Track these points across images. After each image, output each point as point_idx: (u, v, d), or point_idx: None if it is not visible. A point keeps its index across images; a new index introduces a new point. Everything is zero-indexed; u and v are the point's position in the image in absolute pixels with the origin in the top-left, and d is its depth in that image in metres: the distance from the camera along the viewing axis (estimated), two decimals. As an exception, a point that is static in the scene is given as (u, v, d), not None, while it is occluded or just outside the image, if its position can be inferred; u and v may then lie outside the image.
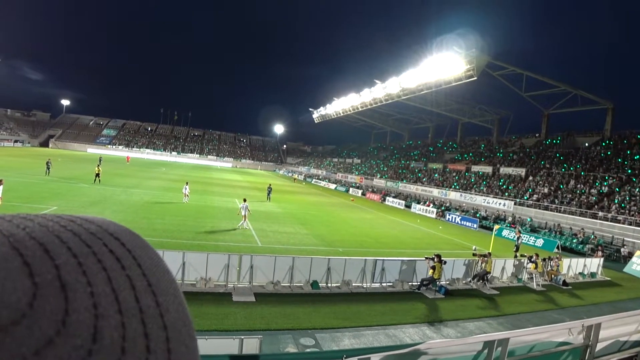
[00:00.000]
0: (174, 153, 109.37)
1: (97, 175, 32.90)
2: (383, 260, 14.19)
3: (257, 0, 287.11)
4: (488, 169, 47.35)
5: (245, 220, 21.34)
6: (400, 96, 56.72)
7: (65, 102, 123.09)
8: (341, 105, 78.31)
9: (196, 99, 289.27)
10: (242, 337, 7.07)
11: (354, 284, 13.39)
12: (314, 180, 77.47)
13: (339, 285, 13.18)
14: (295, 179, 76.86)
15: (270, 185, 37.66)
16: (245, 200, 21.64)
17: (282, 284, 12.52)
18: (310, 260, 13.15)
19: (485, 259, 15.34)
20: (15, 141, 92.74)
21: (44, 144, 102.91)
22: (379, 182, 61.99)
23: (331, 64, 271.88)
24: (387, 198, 49.70)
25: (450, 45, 41.37)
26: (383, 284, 13.90)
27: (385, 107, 66.45)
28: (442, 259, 13.91)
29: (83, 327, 0.32)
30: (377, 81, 59.64)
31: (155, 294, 0.40)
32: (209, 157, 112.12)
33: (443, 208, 40.41)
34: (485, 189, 42.72)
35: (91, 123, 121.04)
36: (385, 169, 68.10)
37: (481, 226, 33.72)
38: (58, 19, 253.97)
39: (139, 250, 0.43)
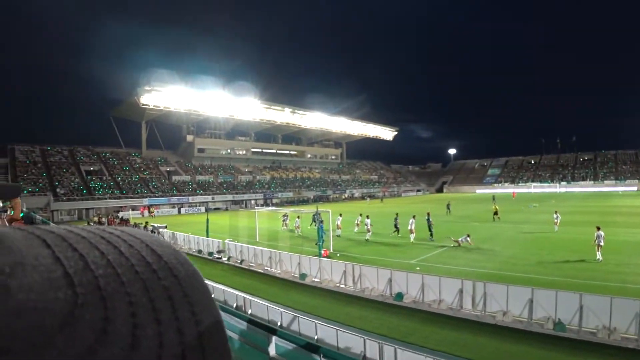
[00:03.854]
0: (563, 183, 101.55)
1: (496, 213, 35.43)
2: None
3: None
4: None
5: (598, 250, 18.25)
6: None
7: (452, 151, 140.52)
8: None
9: (580, 119, 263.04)
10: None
11: None
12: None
13: None
14: None
15: None
16: (599, 229, 18.30)
17: None
18: None
19: None
20: (417, 190, 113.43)
21: (439, 190, 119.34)
22: None
23: None
24: None
25: None
26: None
27: None
28: None
29: (122, 336, 0.33)
30: None
31: (191, 304, 0.41)
32: (606, 182, 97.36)
33: None
34: None
35: (476, 166, 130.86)
36: None
37: None
38: (444, 90, 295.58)
39: (174, 261, 0.44)
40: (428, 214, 26.29)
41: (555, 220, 27.77)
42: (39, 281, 0.33)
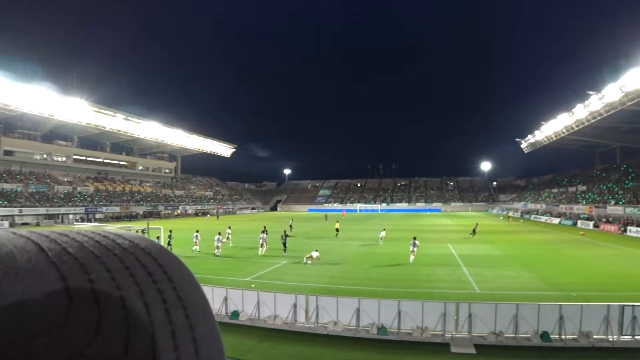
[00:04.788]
0: (384, 204, 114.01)
1: (337, 230, 38.85)
2: (633, 306, 11.66)
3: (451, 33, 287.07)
4: None
5: (412, 255, 23.73)
6: (624, 103, 47.98)
7: (287, 171, 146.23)
8: (551, 128, 71.01)
9: (399, 150, 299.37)
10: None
11: (595, 336, 11.36)
12: (532, 216, 70.38)
13: (576, 338, 11.34)
14: (509, 216, 70.83)
15: (477, 223, 41.45)
16: (415, 238, 24.19)
17: (505, 335, 11.44)
18: (538, 308, 11.74)
19: None
20: (252, 208, 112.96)
21: (274, 208, 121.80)
22: (614, 209, 52.40)
23: (534, 85, 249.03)
24: (629, 228, 41.54)
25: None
26: (637, 337, 11.42)
27: (608, 120, 56.82)
28: None
29: (115, 339, 0.33)
30: (590, 92, 52.31)
31: (185, 307, 0.41)
32: (418, 204, 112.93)
33: None
34: None
35: (309, 186, 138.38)
36: (621, 193, 57.47)
37: None
38: (277, 112, 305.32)
39: (169, 265, 0.44)
40: (285, 231, 28.43)
41: (382, 236, 33.08)
42: (32, 285, 0.33)
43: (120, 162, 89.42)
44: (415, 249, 23.81)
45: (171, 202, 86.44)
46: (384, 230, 34.75)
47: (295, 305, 12.94)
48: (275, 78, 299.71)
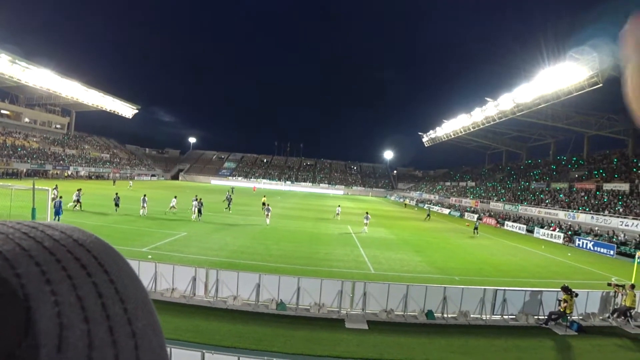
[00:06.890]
0: (288, 182, 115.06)
1: (264, 204, 39.00)
2: (504, 290, 13.23)
3: (363, 25, 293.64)
4: (624, 187, 41.70)
5: (365, 226, 30.26)
6: (514, 112, 53.27)
7: (192, 140, 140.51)
8: (451, 127, 76.02)
9: (308, 131, 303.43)
10: (356, 366, 7.11)
11: (472, 315, 12.69)
12: (426, 205, 75.62)
13: (456, 316, 12.58)
14: (406, 204, 75.48)
15: (429, 210, 51.68)
16: (367, 213, 27.39)
17: (395, 313, 12.31)
18: (425, 289, 12.73)
19: (623, 290, 13.54)
20: (152, 175, 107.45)
21: (175, 177, 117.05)
22: (496, 205, 58.36)
23: (440, 85, 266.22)
24: (506, 222, 46.50)
25: (567, 53, 38.08)
26: (504, 317, 12.94)
27: (499, 126, 62.89)
28: (570, 290, 12.56)
29: (47, 338, 0.31)
30: (488, 99, 56.96)
31: (123, 301, 0.39)
32: (321, 185, 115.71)
33: (571, 232, 36.59)
34: (622, 210, 37.79)
35: (214, 157, 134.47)
36: (502, 191, 63.94)
37: (619, 253, 29.81)
38: (186, 76, 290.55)
39: (105, 256, 0.42)
40: (200, 199, 30.57)
41: (338, 212, 39.42)
42: None
43: (2, 111, 78.90)
44: (367, 222, 30.18)
45: (61, 162, 78.97)
46: (339, 206, 41.62)
47: (194, 279, 12.67)
48: (188, 37, 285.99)
